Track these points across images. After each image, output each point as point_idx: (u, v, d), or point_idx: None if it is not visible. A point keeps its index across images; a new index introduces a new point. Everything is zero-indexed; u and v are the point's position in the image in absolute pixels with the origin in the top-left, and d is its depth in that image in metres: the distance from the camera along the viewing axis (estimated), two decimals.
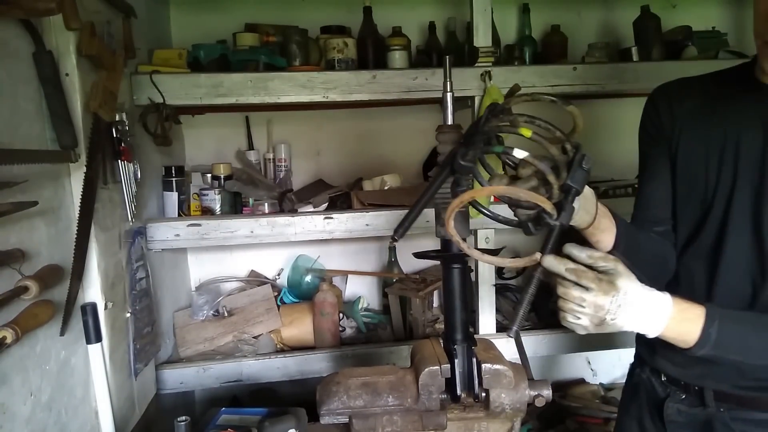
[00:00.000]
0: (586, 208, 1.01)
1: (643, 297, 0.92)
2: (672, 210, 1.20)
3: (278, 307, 2.09)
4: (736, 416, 1.11)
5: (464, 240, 0.96)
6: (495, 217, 0.95)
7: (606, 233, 1.08)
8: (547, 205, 0.86)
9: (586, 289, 0.89)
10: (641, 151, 1.27)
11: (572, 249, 0.92)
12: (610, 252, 1.06)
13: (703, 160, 1.12)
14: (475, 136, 0.94)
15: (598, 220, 1.05)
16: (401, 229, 0.94)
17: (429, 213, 1.85)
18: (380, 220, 1.87)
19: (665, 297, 0.94)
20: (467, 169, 0.92)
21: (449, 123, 1.07)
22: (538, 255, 0.89)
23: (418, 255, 1.12)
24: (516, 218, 0.96)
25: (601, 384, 2.62)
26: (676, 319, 0.93)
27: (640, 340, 1.30)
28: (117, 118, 1.49)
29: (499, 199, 0.98)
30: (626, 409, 1.33)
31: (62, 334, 1.24)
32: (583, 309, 0.90)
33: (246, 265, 2.36)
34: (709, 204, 1.12)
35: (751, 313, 1.05)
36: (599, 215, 1.05)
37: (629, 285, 0.90)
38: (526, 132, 0.89)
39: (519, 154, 0.89)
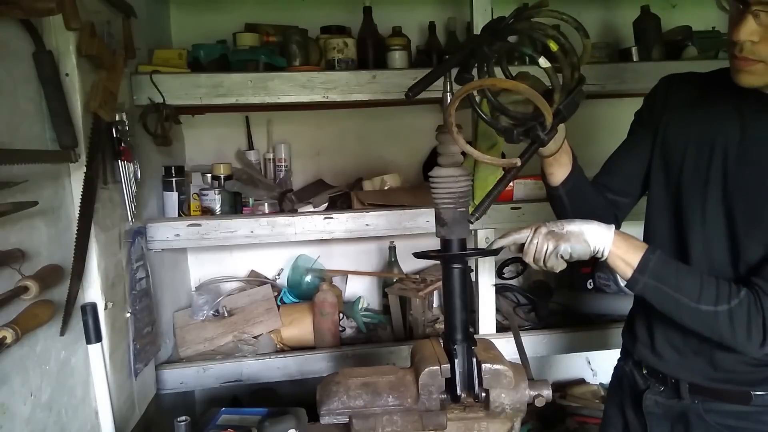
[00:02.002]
0: (555, 139, 1.07)
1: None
2: (631, 189, 1.28)
3: (278, 307, 2.09)
4: (709, 408, 1.16)
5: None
6: (484, 119, 1.02)
7: (562, 168, 1.18)
8: (549, 115, 0.92)
9: None
10: (630, 128, 1.32)
11: None
12: (556, 187, 1.19)
13: (681, 153, 1.15)
14: (504, 31, 0.98)
15: (560, 154, 1.15)
16: (417, 88, 1.01)
17: (429, 213, 1.87)
18: (380, 220, 1.87)
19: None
20: (487, 58, 0.97)
21: None
22: (517, 160, 0.95)
23: (418, 255, 1.13)
24: (502, 125, 1.03)
25: (601, 384, 2.62)
26: (620, 236, 1.03)
27: (626, 332, 1.35)
28: (117, 118, 1.49)
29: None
30: (611, 400, 1.39)
31: (62, 334, 1.24)
32: None
33: (246, 265, 2.36)
34: (684, 197, 1.15)
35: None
36: (562, 150, 1.14)
37: None
38: (554, 46, 0.93)
39: (544, 63, 0.94)
